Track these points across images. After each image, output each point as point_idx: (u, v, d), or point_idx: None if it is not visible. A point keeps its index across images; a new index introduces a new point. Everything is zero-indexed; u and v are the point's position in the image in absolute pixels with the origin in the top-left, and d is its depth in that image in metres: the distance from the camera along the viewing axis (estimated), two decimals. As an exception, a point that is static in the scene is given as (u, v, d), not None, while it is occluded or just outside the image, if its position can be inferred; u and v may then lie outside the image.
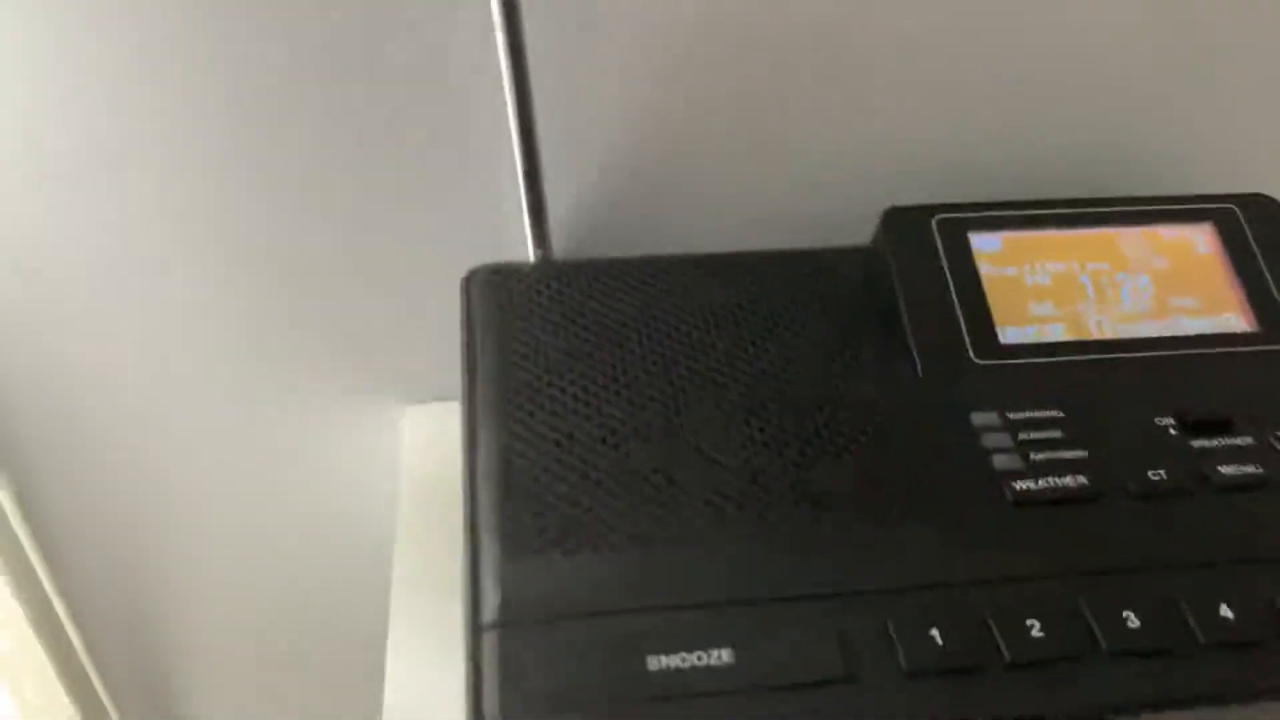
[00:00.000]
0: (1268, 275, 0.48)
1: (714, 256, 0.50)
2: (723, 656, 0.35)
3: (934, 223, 0.49)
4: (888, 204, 0.49)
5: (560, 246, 0.54)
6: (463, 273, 0.48)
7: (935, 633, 0.35)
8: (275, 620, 0.67)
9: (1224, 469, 0.41)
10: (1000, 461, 0.41)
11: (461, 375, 0.45)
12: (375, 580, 0.51)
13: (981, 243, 0.48)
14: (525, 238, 0.51)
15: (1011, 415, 0.43)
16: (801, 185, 0.55)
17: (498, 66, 0.46)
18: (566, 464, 0.40)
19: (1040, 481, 0.40)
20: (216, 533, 0.63)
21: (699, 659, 0.34)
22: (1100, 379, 0.45)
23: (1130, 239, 0.49)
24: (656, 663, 0.34)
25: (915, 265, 0.48)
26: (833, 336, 0.46)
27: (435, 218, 0.53)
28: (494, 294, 0.47)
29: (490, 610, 0.36)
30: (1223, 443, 0.43)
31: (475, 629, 0.36)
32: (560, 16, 0.48)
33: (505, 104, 0.47)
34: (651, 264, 0.49)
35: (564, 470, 0.40)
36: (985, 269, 0.48)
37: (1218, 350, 0.46)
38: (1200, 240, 0.50)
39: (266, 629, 0.68)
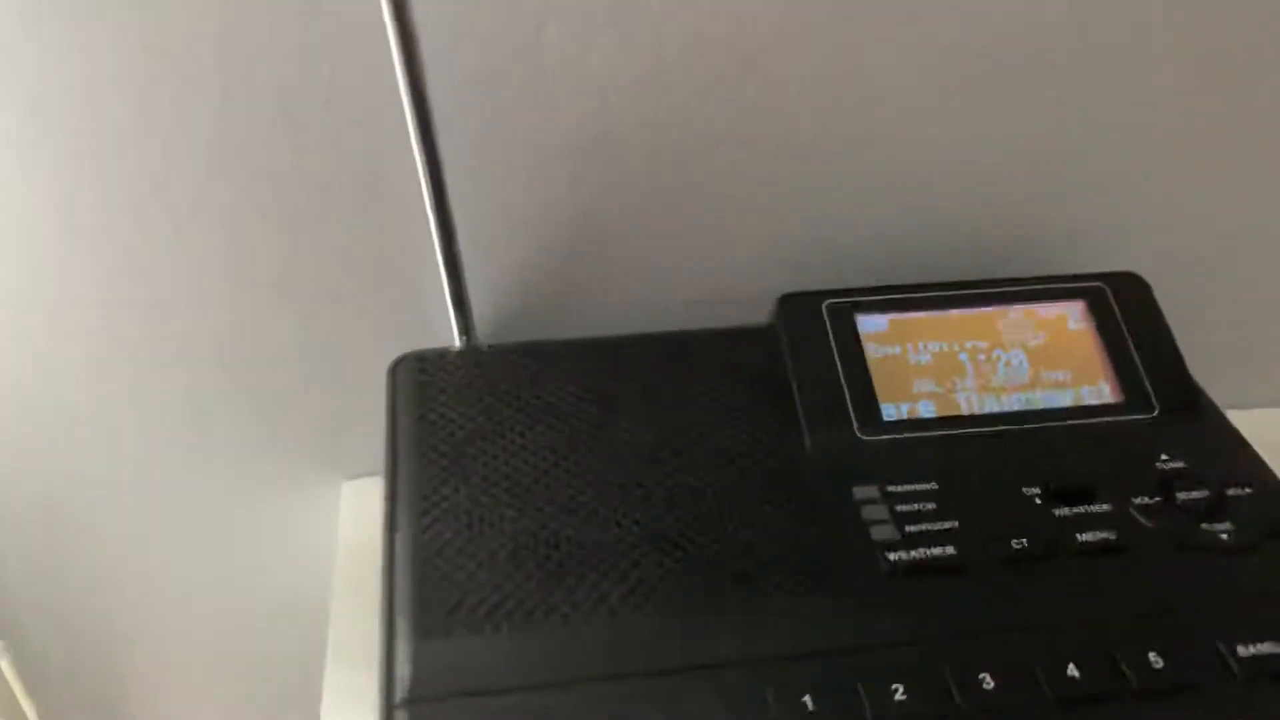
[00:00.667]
0: (1133, 349, 0.53)
1: (626, 338, 0.54)
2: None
3: (824, 306, 0.53)
4: (795, 284, 0.53)
5: (486, 332, 0.58)
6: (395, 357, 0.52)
7: (807, 699, 0.39)
8: (218, 691, 0.70)
9: (1081, 536, 0.45)
10: (878, 533, 0.45)
11: (385, 459, 0.48)
12: (314, 652, 0.54)
13: (868, 324, 0.52)
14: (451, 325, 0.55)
15: (890, 488, 0.47)
16: (712, 267, 0.59)
17: (414, 166, 0.50)
18: (479, 543, 0.44)
19: (912, 552, 0.44)
20: (164, 604, 0.66)
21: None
22: (973, 452, 0.49)
23: (1008, 317, 0.53)
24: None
25: (806, 346, 0.51)
26: (733, 414, 0.50)
27: (371, 307, 0.57)
28: (415, 380, 0.51)
29: (402, 688, 0.39)
30: (1084, 510, 0.46)
31: (388, 707, 0.39)
32: (474, 111, 0.52)
33: (424, 200, 0.51)
34: (568, 347, 0.53)
35: (476, 549, 0.43)
36: (871, 349, 0.52)
37: (1085, 421, 0.50)
38: (1073, 316, 0.54)
39: (205, 700, 0.71)
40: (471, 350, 0.53)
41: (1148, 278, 0.55)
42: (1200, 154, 0.59)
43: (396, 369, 0.52)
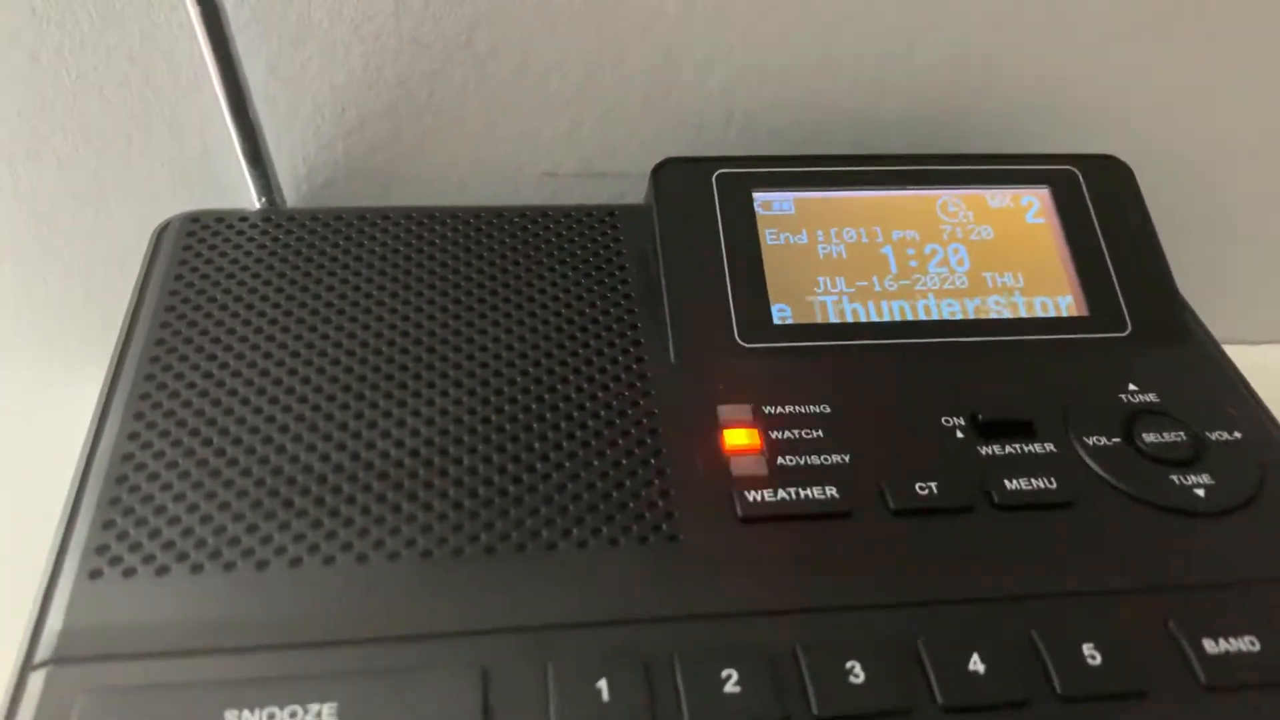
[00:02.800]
0: (1106, 251, 0.41)
1: (459, 210, 0.42)
2: (322, 713, 0.27)
3: (714, 178, 0.41)
4: (683, 154, 0.42)
5: (303, 198, 0.46)
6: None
7: (603, 684, 0.28)
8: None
9: (1011, 483, 0.34)
10: (740, 466, 0.34)
11: (115, 345, 0.37)
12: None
13: (768, 204, 0.41)
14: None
15: (767, 409, 0.36)
16: (577, 130, 0.47)
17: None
18: (197, 463, 0.33)
19: (781, 493, 0.33)
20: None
21: (291, 715, 0.27)
22: (886, 370, 0.38)
23: (949, 204, 0.42)
24: (235, 719, 0.27)
25: (685, 227, 0.40)
26: (580, 314, 0.39)
27: (159, 166, 0.45)
28: (177, 245, 0.40)
29: (47, 644, 0.28)
30: (1018, 449, 0.35)
31: (25, 666, 0.28)
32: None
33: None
34: (382, 216, 0.42)
35: (193, 472, 0.32)
36: (770, 235, 0.40)
37: (1036, 337, 0.39)
38: (1032, 207, 0.42)
39: None
40: (261, 215, 0.42)
41: (1136, 170, 0.43)
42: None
43: (163, 232, 0.41)
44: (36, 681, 0.28)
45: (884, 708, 0.28)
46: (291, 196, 0.45)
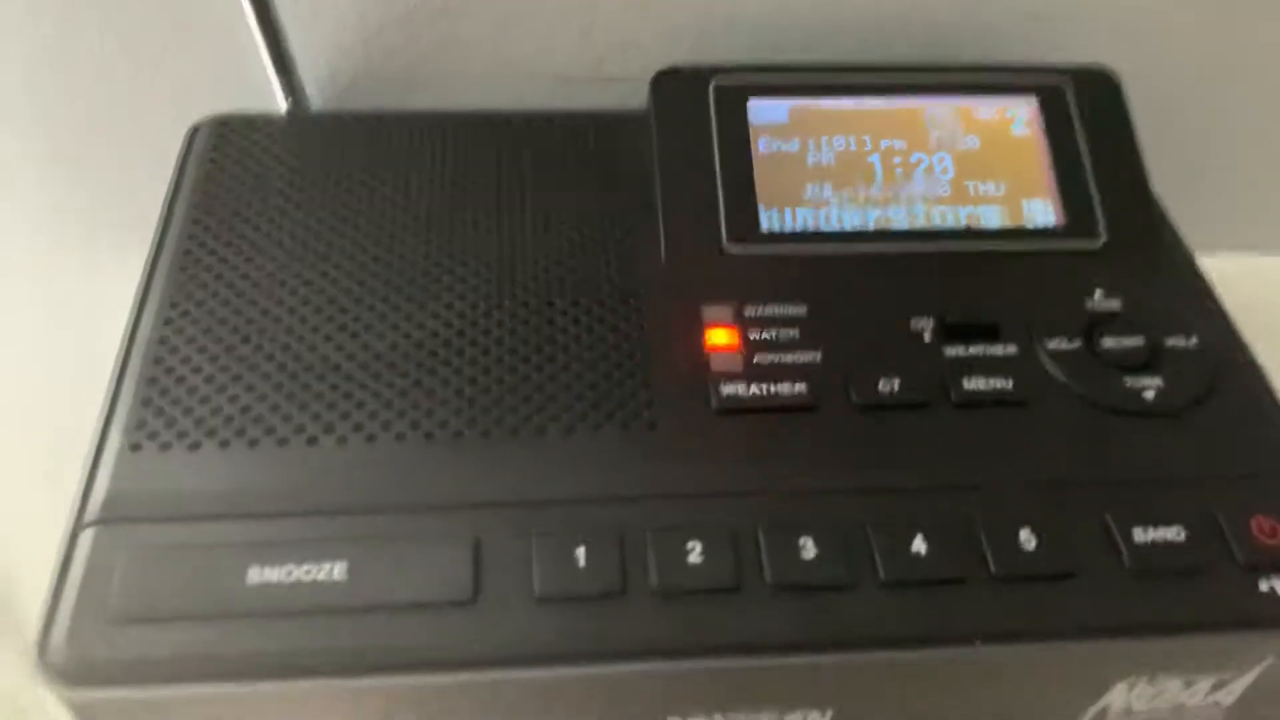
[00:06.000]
0: (1087, 163, 0.43)
1: (476, 115, 0.45)
2: (334, 571, 0.31)
3: (711, 87, 0.43)
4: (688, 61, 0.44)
5: (324, 100, 0.49)
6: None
7: (580, 552, 0.32)
8: None
9: (969, 382, 0.37)
10: (720, 362, 0.37)
11: (153, 238, 0.40)
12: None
13: (763, 111, 0.43)
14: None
15: (748, 311, 0.38)
16: (588, 35, 0.49)
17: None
18: (226, 349, 0.36)
19: (754, 387, 0.36)
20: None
21: (307, 573, 0.31)
22: (864, 275, 0.40)
23: (938, 113, 0.44)
24: (258, 575, 0.31)
25: (682, 135, 0.42)
26: (582, 216, 0.41)
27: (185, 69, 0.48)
28: (210, 145, 0.43)
29: (95, 506, 0.32)
30: (981, 352, 0.38)
31: (76, 526, 0.32)
32: None
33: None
34: (401, 120, 0.44)
35: (226, 354, 0.36)
36: (762, 143, 0.42)
37: (1011, 246, 0.41)
38: (1019, 118, 0.44)
39: None
40: (288, 117, 0.45)
41: (1126, 79, 0.44)
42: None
43: (195, 134, 0.44)
44: (86, 539, 0.32)
45: (830, 581, 0.31)
46: (316, 100, 0.48)
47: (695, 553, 0.32)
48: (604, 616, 0.31)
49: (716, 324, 0.38)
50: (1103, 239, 0.41)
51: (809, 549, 0.32)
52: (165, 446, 0.33)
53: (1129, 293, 0.40)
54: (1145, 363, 0.38)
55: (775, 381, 0.36)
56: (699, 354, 0.37)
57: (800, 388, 0.36)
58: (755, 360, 0.37)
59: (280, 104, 0.46)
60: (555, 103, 0.48)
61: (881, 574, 0.32)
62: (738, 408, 0.36)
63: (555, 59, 0.48)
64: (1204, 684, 0.33)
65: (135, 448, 0.33)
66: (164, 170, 0.44)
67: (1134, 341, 0.38)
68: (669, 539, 0.32)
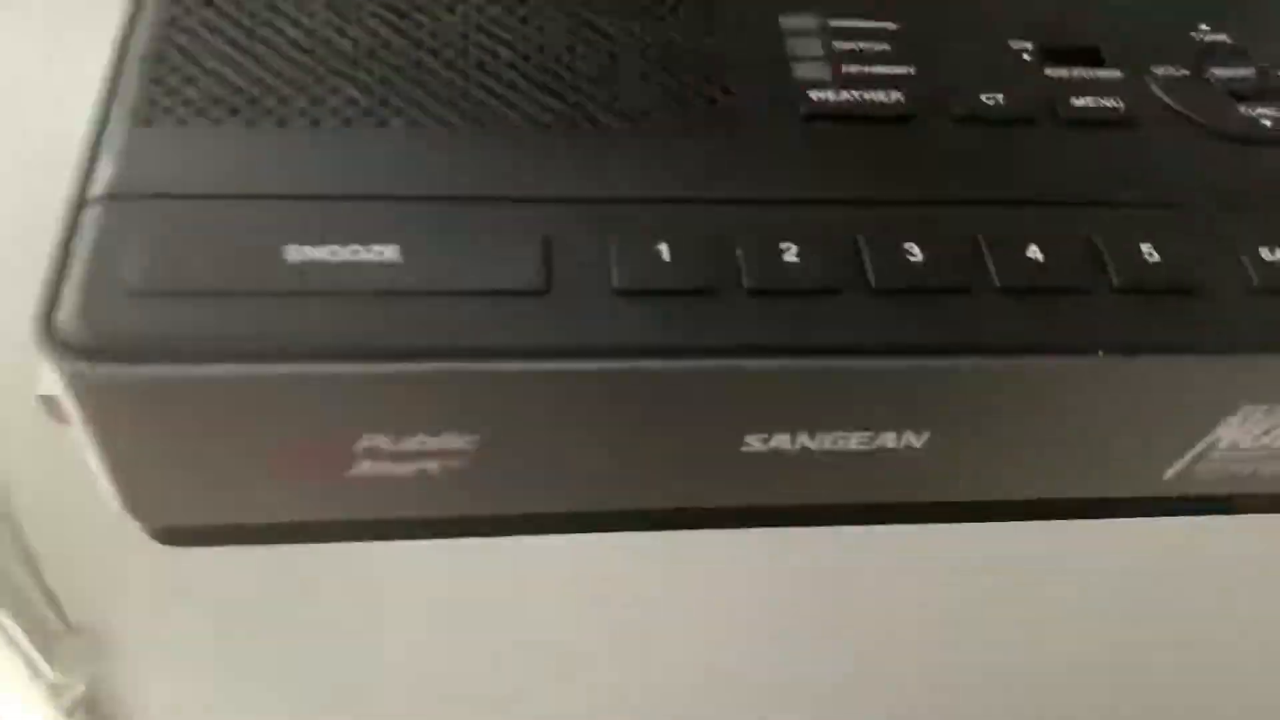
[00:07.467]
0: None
1: None
2: (385, 253, 0.27)
3: None
4: None
5: None
6: None
7: (663, 248, 0.28)
8: None
9: (1077, 100, 0.33)
10: (804, 71, 0.33)
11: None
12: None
13: None
14: None
15: (834, 23, 0.34)
16: None
17: None
18: (250, 16, 0.31)
19: (844, 94, 0.32)
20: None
21: (353, 253, 0.27)
22: (955, -7, 0.36)
23: None
24: (297, 253, 0.27)
25: None
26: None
27: None
28: None
29: (101, 182, 0.28)
30: (1086, 74, 0.34)
31: (77, 205, 0.28)
32: None
33: None
34: None
35: (241, 30, 0.31)
36: None
37: (1110, -26, 0.37)
38: None
39: None
40: None
41: None
42: None
43: None
44: (94, 214, 0.27)
45: (944, 284, 0.28)
46: None
47: (791, 253, 0.28)
48: (692, 311, 0.27)
49: (798, 33, 0.34)
50: (1205, -26, 0.38)
51: (916, 253, 0.29)
52: (181, 122, 0.29)
53: (1236, 25, 0.36)
54: (1259, 91, 0.34)
55: (867, 89, 0.32)
56: (780, 60, 0.33)
57: (896, 95, 0.32)
58: (844, 70, 0.33)
59: None
60: None
61: (996, 280, 0.29)
62: (826, 114, 0.32)
63: None
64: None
65: (146, 122, 0.29)
66: None
67: (1245, 71, 0.35)
68: (763, 237, 0.28)
